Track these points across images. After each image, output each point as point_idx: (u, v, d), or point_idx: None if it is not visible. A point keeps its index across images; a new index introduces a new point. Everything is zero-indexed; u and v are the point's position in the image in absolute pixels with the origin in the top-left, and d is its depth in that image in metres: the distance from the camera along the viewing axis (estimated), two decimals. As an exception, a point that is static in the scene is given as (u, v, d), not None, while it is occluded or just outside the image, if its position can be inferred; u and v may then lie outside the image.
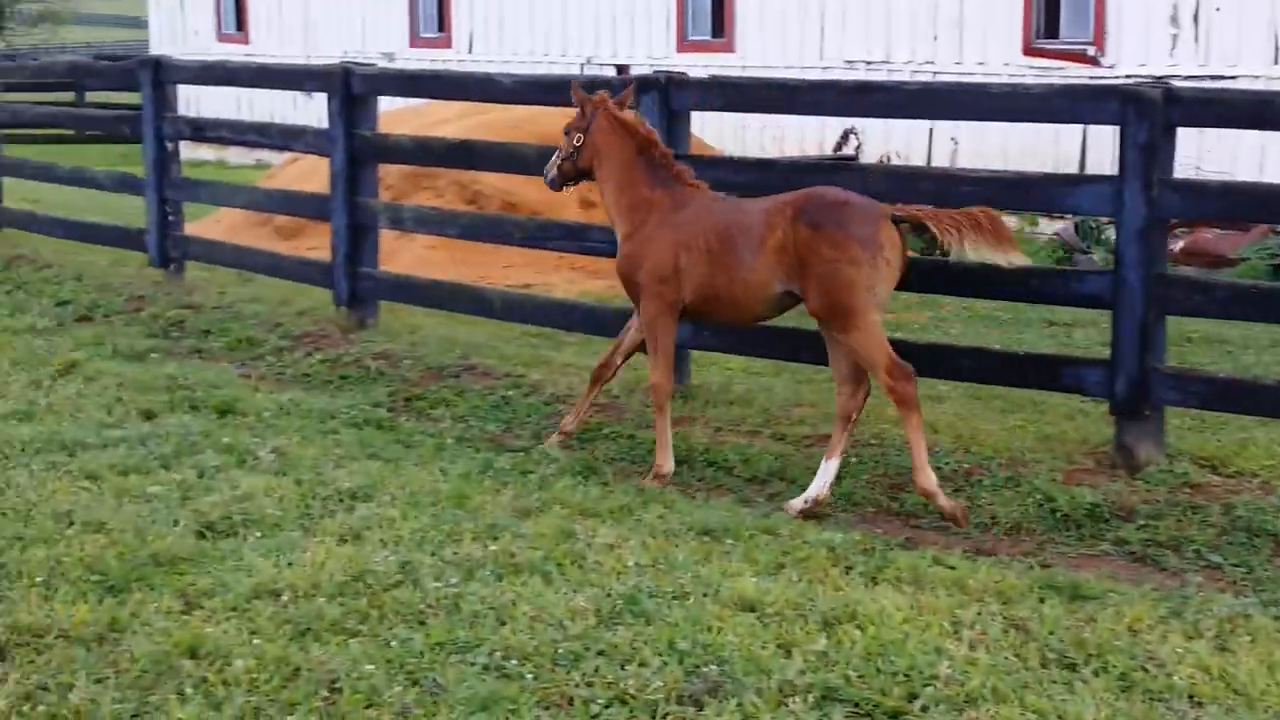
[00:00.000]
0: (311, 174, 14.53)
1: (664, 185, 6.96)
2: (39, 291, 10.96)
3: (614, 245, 8.06)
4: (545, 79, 9.14)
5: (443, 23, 25.86)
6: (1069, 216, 14.49)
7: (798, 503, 6.39)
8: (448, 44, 25.63)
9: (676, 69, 8.98)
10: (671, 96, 7.62)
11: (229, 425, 7.28)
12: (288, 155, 15.06)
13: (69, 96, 26.34)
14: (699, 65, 20.60)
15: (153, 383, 8.10)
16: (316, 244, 13.51)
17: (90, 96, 27.29)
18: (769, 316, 6.87)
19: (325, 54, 27.42)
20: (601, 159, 7.12)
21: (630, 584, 5.10)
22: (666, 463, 6.81)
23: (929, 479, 6.26)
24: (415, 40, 26.19)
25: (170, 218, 10.81)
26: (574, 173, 7.33)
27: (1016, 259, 6.33)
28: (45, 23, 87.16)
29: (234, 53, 27.95)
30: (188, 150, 21.44)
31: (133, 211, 15.15)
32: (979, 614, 4.89)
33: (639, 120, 7.27)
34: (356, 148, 9.11)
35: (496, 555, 5.38)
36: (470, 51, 25.31)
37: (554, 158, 7.39)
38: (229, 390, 7.98)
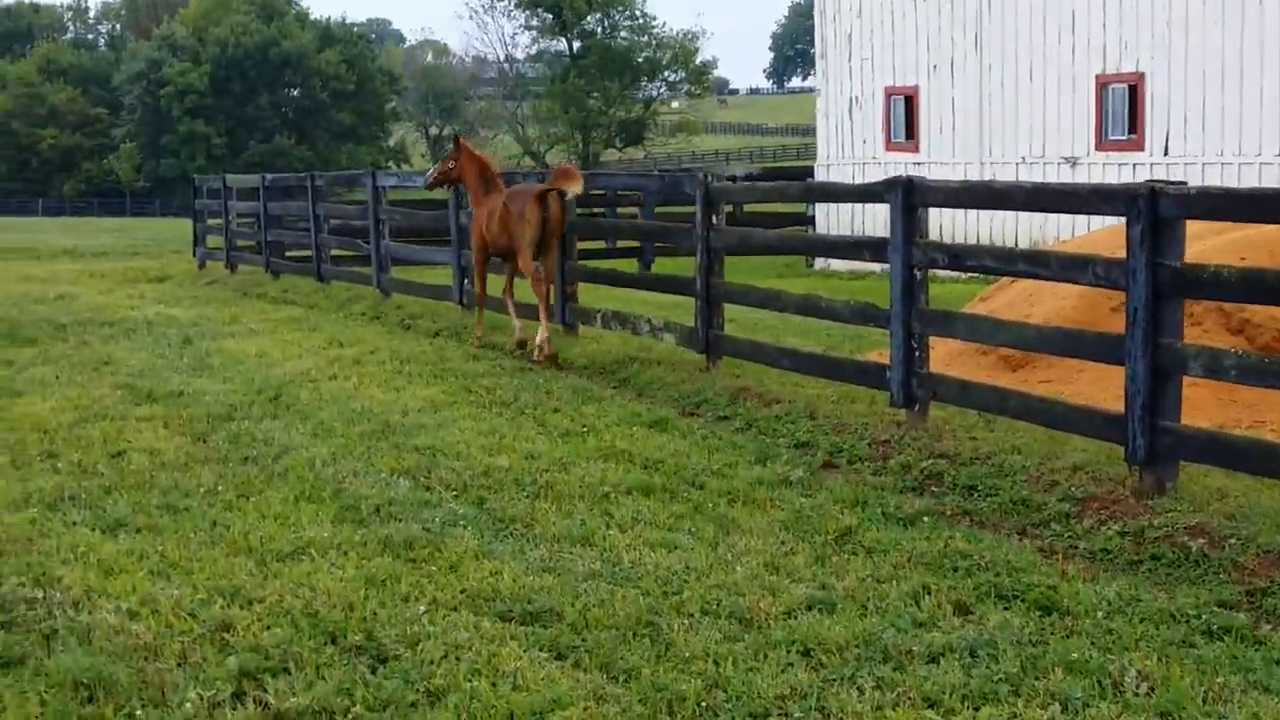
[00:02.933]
0: (1030, 299, 13.25)
1: (488, 190, 14.56)
2: (773, 431, 10.19)
3: None
4: None
5: (1134, 123, 24.09)
6: None
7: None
8: (1139, 146, 23.86)
9: None
10: None
11: (1058, 629, 6.00)
12: (1003, 280, 13.84)
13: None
14: None
15: (943, 561, 6.97)
16: (1048, 377, 12.16)
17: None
18: (512, 252, 13.95)
19: (1000, 159, 26.30)
20: (465, 175, 14.93)
21: None
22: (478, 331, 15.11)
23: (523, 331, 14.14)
24: (1101, 143, 24.57)
25: (916, 353, 9.77)
26: (445, 180, 15.46)
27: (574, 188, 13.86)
28: (682, 132, 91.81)
29: (903, 161, 27.35)
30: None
31: (827, 338, 14.47)
32: None
33: (486, 155, 14.97)
34: (1161, 281, 7.70)
35: None
36: (1166, 154, 23.38)
37: (432, 170, 15.66)
38: (1036, 575, 6.71)
